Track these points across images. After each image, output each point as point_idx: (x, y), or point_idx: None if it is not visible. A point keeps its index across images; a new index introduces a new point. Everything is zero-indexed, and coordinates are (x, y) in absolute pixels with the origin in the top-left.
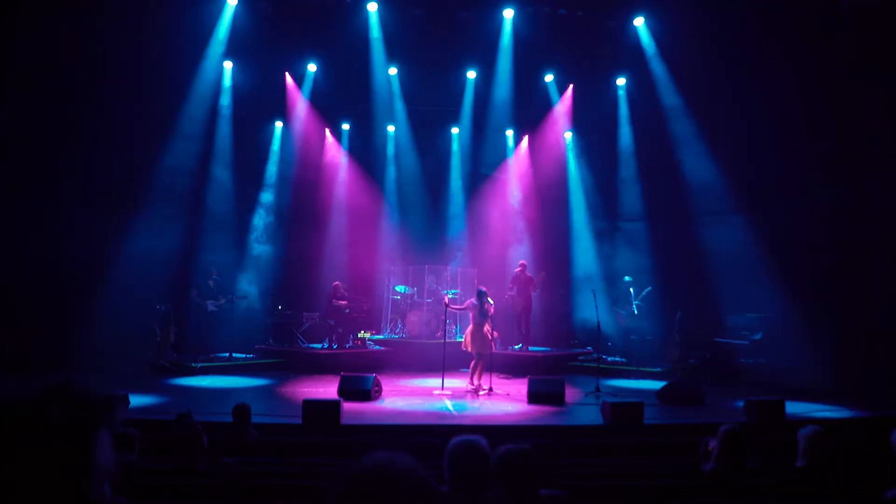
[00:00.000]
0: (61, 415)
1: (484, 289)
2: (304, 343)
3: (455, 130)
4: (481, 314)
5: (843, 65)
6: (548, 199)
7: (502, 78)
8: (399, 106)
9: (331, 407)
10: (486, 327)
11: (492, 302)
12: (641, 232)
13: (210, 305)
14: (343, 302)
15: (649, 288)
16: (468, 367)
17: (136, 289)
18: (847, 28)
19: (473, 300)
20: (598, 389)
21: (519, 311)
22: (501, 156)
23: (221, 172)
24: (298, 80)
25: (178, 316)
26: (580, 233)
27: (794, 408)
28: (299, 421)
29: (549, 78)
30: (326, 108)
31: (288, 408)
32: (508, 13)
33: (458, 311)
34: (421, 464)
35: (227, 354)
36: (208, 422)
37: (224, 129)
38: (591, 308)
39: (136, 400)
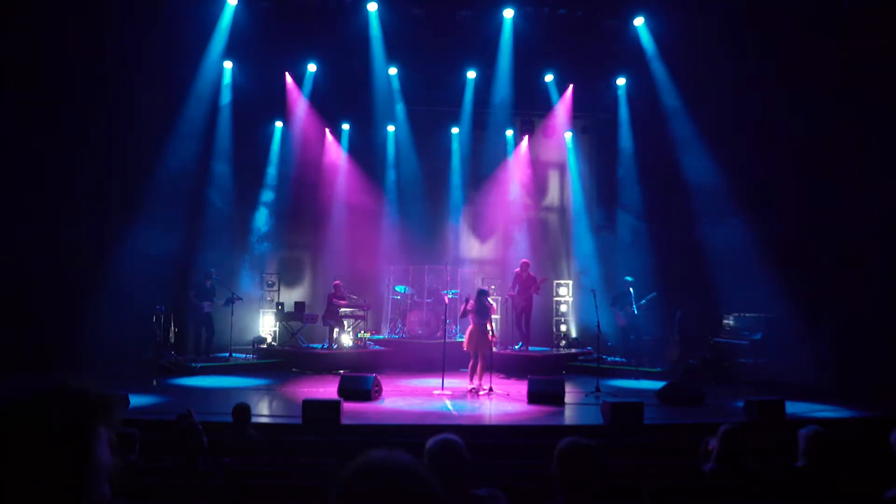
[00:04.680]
0: (60, 414)
1: (485, 288)
2: (304, 343)
3: (455, 130)
4: (480, 314)
5: (843, 64)
6: (547, 199)
7: (502, 78)
8: (399, 106)
9: (331, 407)
10: (487, 327)
11: (492, 302)
12: (641, 232)
13: (206, 307)
14: (343, 301)
15: (654, 293)
16: (468, 367)
17: (137, 289)
18: (847, 27)
19: (473, 300)
20: (598, 389)
21: (519, 310)
22: (501, 156)
23: (221, 173)
24: (298, 80)
25: (177, 316)
26: (580, 232)
27: (794, 408)
28: (299, 421)
29: (549, 78)
30: (326, 108)
31: (288, 408)
32: (508, 13)
33: (466, 314)
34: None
35: (227, 354)
36: (208, 422)
37: (224, 130)
38: (591, 308)
39: (136, 400)
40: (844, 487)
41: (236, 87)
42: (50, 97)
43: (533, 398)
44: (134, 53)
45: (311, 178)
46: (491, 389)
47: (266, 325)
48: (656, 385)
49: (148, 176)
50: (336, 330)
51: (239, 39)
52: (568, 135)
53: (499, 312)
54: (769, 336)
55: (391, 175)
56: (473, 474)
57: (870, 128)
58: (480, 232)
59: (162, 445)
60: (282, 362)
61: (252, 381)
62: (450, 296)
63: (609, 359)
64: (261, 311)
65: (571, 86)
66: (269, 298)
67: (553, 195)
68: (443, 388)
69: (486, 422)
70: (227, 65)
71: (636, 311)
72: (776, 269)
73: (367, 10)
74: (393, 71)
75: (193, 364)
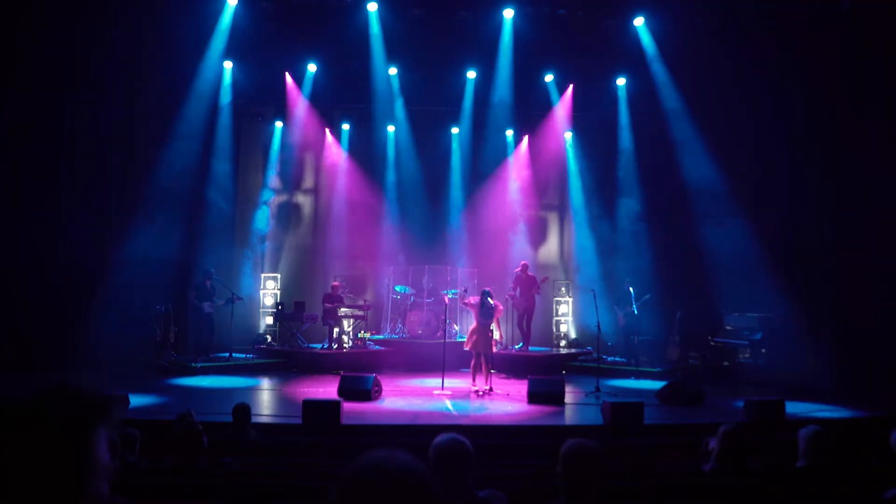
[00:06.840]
0: (59, 414)
1: (488, 289)
2: (304, 343)
3: (455, 130)
4: (484, 314)
5: (842, 64)
6: (547, 199)
7: (502, 78)
8: (399, 106)
9: (331, 407)
10: (490, 327)
11: (493, 303)
12: (642, 232)
13: (207, 307)
14: (334, 305)
15: (649, 295)
16: (468, 367)
17: (137, 289)
18: (847, 27)
19: (477, 298)
20: (598, 389)
21: (521, 311)
22: (501, 156)
23: (222, 172)
24: (298, 80)
25: (177, 316)
26: (580, 232)
27: (794, 408)
28: (299, 421)
29: (549, 78)
30: (326, 108)
31: (288, 408)
32: (508, 13)
33: (467, 307)
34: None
35: (227, 354)
36: (208, 422)
37: (224, 129)
38: (591, 308)
39: (136, 400)
40: (844, 487)
41: (236, 87)
42: (50, 97)
43: (533, 398)
44: (134, 53)
45: (311, 178)
46: (491, 389)
47: (266, 325)
48: (656, 385)
49: (148, 176)
50: (336, 330)
51: (239, 39)
52: (568, 135)
53: None
54: (769, 336)
55: (391, 175)
56: (477, 475)
57: (870, 127)
58: (480, 231)
59: (162, 445)
60: (282, 362)
61: (252, 381)
62: (450, 296)
63: (609, 359)
64: (261, 311)
65: (571, 86)
66: (269, 299)
67: (553, 195)
68: (443, 388)
69: (486, 422)
70: (227, 65)
71: (636, 312)
72: (776, 269)
73: (367, 10)
74: (393, 71)
75: (193, 364)
